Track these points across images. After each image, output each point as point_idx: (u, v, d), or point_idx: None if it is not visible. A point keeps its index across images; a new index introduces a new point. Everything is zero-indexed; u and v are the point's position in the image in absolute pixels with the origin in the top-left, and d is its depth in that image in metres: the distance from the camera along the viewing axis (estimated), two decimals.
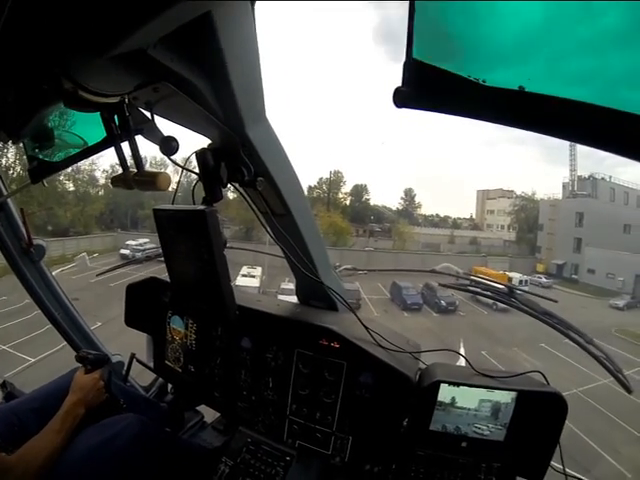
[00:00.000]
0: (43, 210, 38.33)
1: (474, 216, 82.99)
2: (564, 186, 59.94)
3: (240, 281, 26.38)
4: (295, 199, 2.00)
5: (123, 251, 38.13)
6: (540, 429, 1.86)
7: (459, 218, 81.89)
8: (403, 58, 0.87)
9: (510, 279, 39.55)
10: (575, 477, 1.98)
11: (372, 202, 73.40)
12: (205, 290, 1.77)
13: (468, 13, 0.84)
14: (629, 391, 1.97)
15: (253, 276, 27.98)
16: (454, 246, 61.99)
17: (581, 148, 56.79)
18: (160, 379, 3.12)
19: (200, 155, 1.63)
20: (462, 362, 2.33)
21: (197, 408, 3.06)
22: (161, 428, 2.43)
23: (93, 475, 1.93)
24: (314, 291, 2.51)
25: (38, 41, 1.08)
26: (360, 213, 67.57)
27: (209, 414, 2.94)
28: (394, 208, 76.00)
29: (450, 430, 1.95)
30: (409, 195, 77.39)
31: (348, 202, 69.07)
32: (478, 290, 2.53)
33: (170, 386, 3.11)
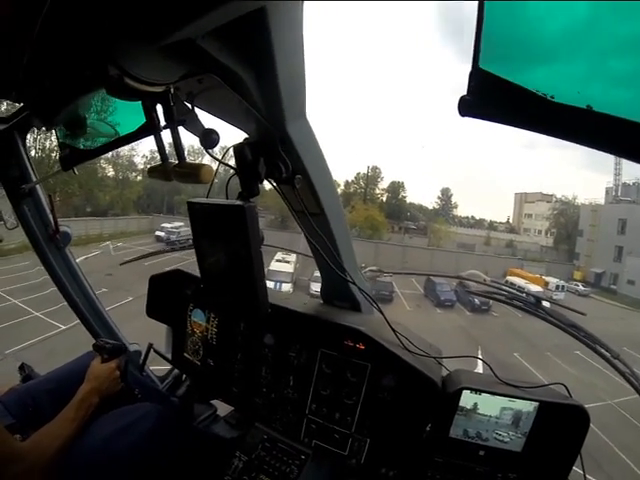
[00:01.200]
0: (83, 193, 39.66)
1: (511, 220, 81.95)
2: (607, 191, 58.35)
3: (274, 266, 26.55)
4: (329, 199, 2.00)
5: (158, 233, 39.11)
6: (560, 442, 1.85)
7: (495, 222, 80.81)
8: (469, 67, 0.86)
9: (547, 283, 39.73)
10: None
11: (408, 200, 73.83)
12: (238, 286, 1.71)
13: (531, 15, 0.83)
14: None
15: (288, 262, 28.03)
16: (489, 248, 61.49)
17: None
18: (176, 370, 3.11)
19: (238, 149, 1.61)
20: (480, 369, 2.36)
21: (211, 401, 3.06)
22: (176, 419, 2.44)
23: (107, 464, 1.93)
24: (339, 291, 2.51)
25: (86, 25, 1.04)
26: (396, 210, 67.66)
27: (222, 407, 2.93)
28: (430, 207, 76.31)
29: (471, 435, 1.95)
30: (446, 195, 77.08)
31: (385, 198, 69.57)
32: (504, 298, 2.50)
33: (185, 377, 3.10)
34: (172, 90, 1.37)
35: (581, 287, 45.98)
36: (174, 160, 1.56)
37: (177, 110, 1.40)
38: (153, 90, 1.32)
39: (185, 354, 2.81)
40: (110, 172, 50.42)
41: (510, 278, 39.08)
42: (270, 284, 26.40)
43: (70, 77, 1.39)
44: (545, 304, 2.33)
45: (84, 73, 1.30)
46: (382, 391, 2.07)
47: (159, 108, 1.43)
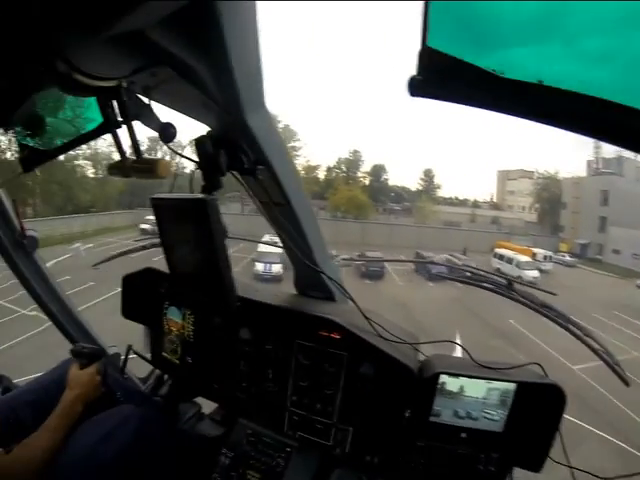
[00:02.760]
0: (63, 191, 39.45)
1: (494, 198, 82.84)
2: (588, 164, 59.44)
3: (262, 247, 26.38)
4: (293, 189, 1.95)
5: (143, 226, 38.76)
6: (539, 420, 1.87)
7: (478, 201, 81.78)
8: (418, 46, 0.82)
9: (534, 254, 40.52)
10: (579, 469, 1.94)
11: (391, 182, 74.96)
12: (205, 281, 1.73)
13: None
14: (627, 384, 1.98)
15: (276, 242, 28.06)
16: (475, 225, 62.10)
17: None
18: (157, 371, 3.06)
19: (199, 143, 1.58)
20: (459, 353, 2.31)
21: (195, 399, 3.01)
22: (159, 420, 2.42)
23: (94, 472, 1.90)
24: (312, 281, 2.52)
25: (31, 20, 0.98)
26: (379, 192, 68.64)
27: (206, 404, 2.89)
28: (413, 189, 76.74)
29: (461, 415, 1.95)
30: (428, 176, 76.90)
31: (367, 182, 70.33)
32: (475, 282, 2.46)
33: (167, 377, 3.05)
34: (125, 84, 1.31)
35: (568, 258, 46.92)
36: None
37: (133, 105, 1.36)
38: (105, 85, 1.27)
39: (164, 353, 2.77)
40: (90, 170, 50.16)
41: (498, 250, 40.26)
42: (260, 266, 26.42)
43: (22, 75, 1.34)
44: (517, 286, 2.29)
45: (33, 70, 1.25)
46: (361, 379, 2.06)
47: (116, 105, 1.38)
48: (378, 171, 71.36)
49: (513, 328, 20.66)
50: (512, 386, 1.85)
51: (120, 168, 1.53)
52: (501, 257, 38.20)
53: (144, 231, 37.56)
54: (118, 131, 1.42)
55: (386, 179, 73.06)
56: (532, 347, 18.07)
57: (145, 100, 1.37)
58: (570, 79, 0.75)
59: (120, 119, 1.38)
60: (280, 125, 50.23)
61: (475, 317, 21.26)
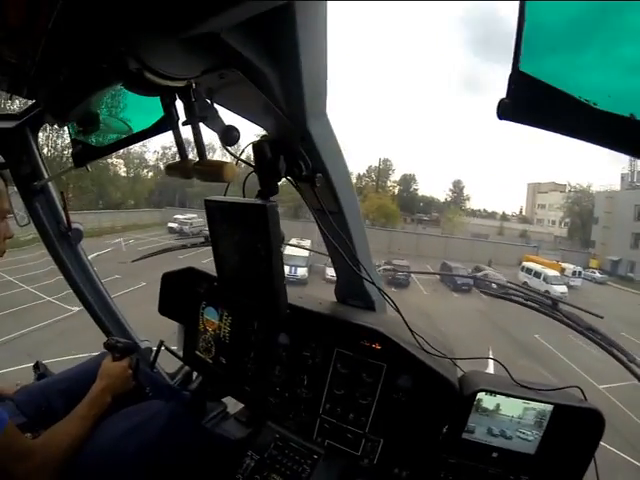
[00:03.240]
0: (95, 188, 40.63)
1: (524, 211, 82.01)
2: (622, 177, 57.56)
3: (288, 250, 26.62)
4: (348, 197, 1.97)
5: (171, 224, 39.51)
6: (574, 445, 1.82)
7: (508, 214, 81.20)
8: (509, 69, 0.85)
9: (563, 269, 39.73)
10: None
11: (420, 192, 76.35)
12: (256, 286, 1.74)
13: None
14: None
15: (302, 246, 28.45)
16: (503, 238, 61.50)
17: None
18: (185, 367, 3.12)
19: (257, 146, 1.60)
20: (491, 369, 2.26)
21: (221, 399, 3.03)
22: (186, 417, 2.42)
23: (118, 464, 1.92)
24: (353, 290, 2.51)
25: (104, 17, 1.00)
26: (408, 202, 69.85)
27: (231, 404, 2.89)
28: (442, 199, 77.51)
29: (495, 433, 1.93)
30: (458, 187, 77.56)
31: (396, 191, 71.85)
32: (519, 300, 2.45)
33: (195, 374, 3.10)
34: (194, 85, 1.35)
35: (598, 274, 45.35)
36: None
37: (200, 106, 1.38)
38: (174, 85, 1.29)
39: (197, 352, 2.81)
40: (122, 169, 51.75)
41: (526, 263, 39.66)
42: (285, 269, 26.57)
43: (86, 72, 1.35)
44: (562, 307, 2.26)
45: (101, 67, 1.25)
46: (397, 392, 2.04)
47: (178, 104, 1.42)
48: (408, 181, 72.82)
49: (538, 343, 20.54)
50: (549, 407, 1.82)
51: (180, 169, 1.54)
52: (529, 271, 37.58)
53: (171, 229, 38.28)
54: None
55: (415, 189, 74.53)
56: (558, 364, 17.86)
57: (208, 102, 1.39)
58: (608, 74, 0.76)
59: (183, 119, 1.40)
60: None
61: (499, 330, 21.52)
